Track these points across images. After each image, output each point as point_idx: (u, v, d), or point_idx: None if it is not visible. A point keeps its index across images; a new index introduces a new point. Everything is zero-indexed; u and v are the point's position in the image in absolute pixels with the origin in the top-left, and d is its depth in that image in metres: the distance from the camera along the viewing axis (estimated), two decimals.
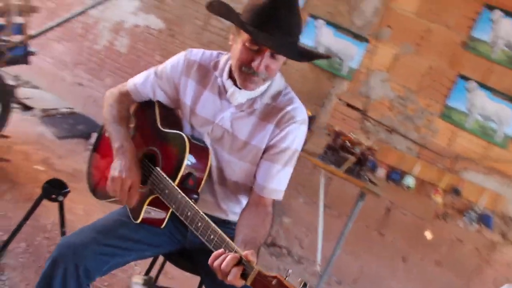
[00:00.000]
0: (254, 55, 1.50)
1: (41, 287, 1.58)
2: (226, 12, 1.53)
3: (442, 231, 3.39)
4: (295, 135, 1.64)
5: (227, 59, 1.66)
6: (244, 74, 1.53)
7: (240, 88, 1.59)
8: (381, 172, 3.42)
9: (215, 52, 1.75)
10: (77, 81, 4.66)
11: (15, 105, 4.17)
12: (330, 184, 3.64)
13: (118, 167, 1.56)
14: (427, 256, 3.45)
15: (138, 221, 1.62)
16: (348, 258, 3.61)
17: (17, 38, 3.32)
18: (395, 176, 3.39)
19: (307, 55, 1.59)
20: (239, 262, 1.23)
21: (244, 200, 1.76)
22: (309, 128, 2.99)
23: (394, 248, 3.53)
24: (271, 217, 1.63)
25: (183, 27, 4.17)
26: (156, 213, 1.64)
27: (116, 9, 4.52)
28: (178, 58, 1.75)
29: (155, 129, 1.72)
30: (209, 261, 1.26)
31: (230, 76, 1.62)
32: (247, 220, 1.61)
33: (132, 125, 1.83)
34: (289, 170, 1.67)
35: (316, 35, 3.67)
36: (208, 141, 1.67)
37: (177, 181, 1.53)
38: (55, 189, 2.37)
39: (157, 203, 1.58)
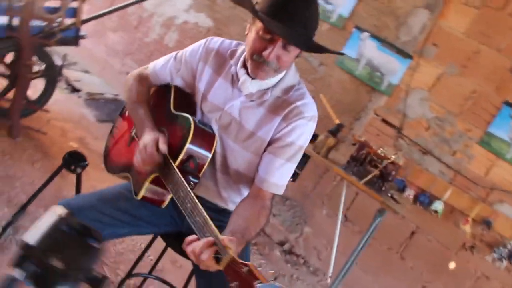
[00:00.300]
0: (267, 44, 1.50)
1: None
2: (241, 0, 1.53)
3: (468, 264, 3.20)
4: (302, 131, 1.61)
5: (244, 49, 1.66)
6: (255, 62, 1.53)
7: (252, 78, 1.59)
8: (410, 193, 3.28)
9: (234, 42, 1.76)
10: (125, 70, 4.83)
11: (64, 86, 4.39)
12: (356, 198, 3.55)
13: (142, 142, 1.59)
14: None
15: (139, 197, 1.64)
16: (365, 276, 3.48)
17: (69, 21, 3.50)
18: (423, 199, 3.24)
19: (318, 49, 1.57)
20: (214, 245, 1.21)
21: (245, 191, 1.75)
22: (334, 135, 2.97)
23: (414, 274, 3.37)
24: (268, 211, 1.61)
25: (230, 27, 4.25)
26: (158, 192, 1.66)
27: (170, 5, 4.68)
28: (199, 45, 1.78)
29: (167, 110, 1.76)
30: (183, 245, 1.26)
31: (244, 65, 1.62)
32: (242, 210, 1.59)
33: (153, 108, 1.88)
34: (291, 166, 1.64)
35: (360, 47, 3.61)
36: (215, 128, 1.68)
37: (177, 162, 1.55)
38: (74, 160, 2.46)
39: (159, 182, 1.60)
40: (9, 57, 3.33)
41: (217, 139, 1.66)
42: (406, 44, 3.45)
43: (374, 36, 3.56)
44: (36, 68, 3.33)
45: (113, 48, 4.97)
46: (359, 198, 3.53)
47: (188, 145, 1.56)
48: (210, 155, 1.62)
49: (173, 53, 1.84)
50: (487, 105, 3.18)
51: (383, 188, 2.73)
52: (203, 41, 1.78)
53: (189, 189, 1.41)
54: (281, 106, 1.62)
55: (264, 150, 1.64)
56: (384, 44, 3.52)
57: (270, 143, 1.63)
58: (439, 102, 3.33)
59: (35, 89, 3.65)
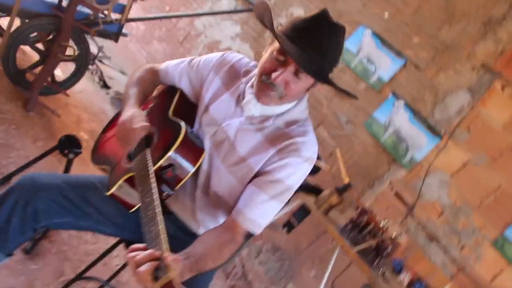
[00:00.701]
0: (278, 66, 1.41)
1: None
2: (262, 14, 1.47)
3: None
4: (294, 170, 1.48)
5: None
6: (262, 83, 1.45)
7: (258, 102, 1.51)
8: (406, 277, 3.03)
9: (253, 62, 1.69)
10: None
11: (97, 79, 4.44)
12: (349, 267, 3.32)
13: (124, 117, 1.53)
14: None
15: (108, 193, 1.54)
16: None
17: (115, 16, 3.56)
18: (418, 287, 2.99)
19: (330, 83, 1.46)
20: (158, 260, 1.08)
21: (221, 220, 1.61)
22: (340, 194, 2.81)
23: None
24: (235, 247, 1.47)
25: None
26: (129, 194, 1.55)
27: (219, 30, 4.72)
28: (216, 54, 1.72)
29: (165, 114, 1.68)
30: (127, 251, 1.14)
31: (253, 89, 1.54)
32: (207, 236, 1.47)
33: (150, 105, 1.82)
34: (275, 205, 1.50)
35: (392, 113, 3.48)
36: (208, 144, 1.58)
37: (156, 166, 1.44)
38: (69, 145, 2.40)
39: (133, 184, 1.49)
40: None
41: (205, 155, 1.55)
42: (439, 122, 3.30)
43: (409, 107, 3.43)
44: (70, 52, 3.36)
45: (154, 56, 5.03)
46: (352, 268, 3.29)
47: (171, 152, 1.46)
48: (192, 170, 1.51)
49: (190, 58, 1.78)
50: (509, 206, 2.95)
51: (376, 263, 2.52)
52: (221, 52, 1.72)
53: (156, 196, 1.29)
54: (280, 138, 1.51)
55: (250, 181, 1.52)
56: (417, 117, 3.38)
57: (257, 175, 1.51)
58: (459, 189, 3.12)
59: (64, 71, 3.69)
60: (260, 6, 1.46)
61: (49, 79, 3.40)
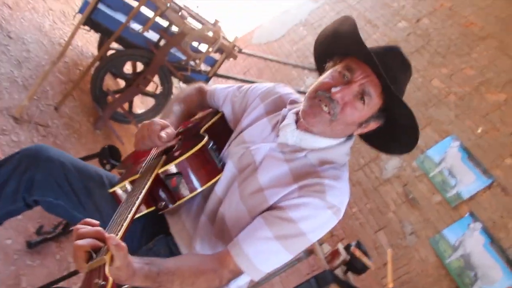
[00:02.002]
0: (340, 83, 1.24)
1: None
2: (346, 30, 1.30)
3: None
4: (312, 215, 1.24)
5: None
6: (314, 100, 1.26)
7: (297, 128, 1.33)
8: None
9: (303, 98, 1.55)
10: None
11: None
12: None
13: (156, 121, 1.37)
14: None
15: (110, 190, 1.41)
16: None
17: (205, 67, 3.68)
18: None
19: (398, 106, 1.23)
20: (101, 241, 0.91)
21: None
22: None
23: None
24: (217, 282, 1.21)
25: None
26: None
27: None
28: (267, 83, 1.62)
29: (197, 130, 1.56)
30: (78, 224, 0.97)
31: (297, 114, 1.38)
32: (189, 257, 1.28)
33: (188, 125, 1.72)
34: (278, 249, 1.23)
35: (464, 235, 3.04)
36: (230, 167, 1.39)
37: (161, 169, 1.29)
38: (110, 156, 2.37)
39: None
40: (139, 67, 3.58)
41: (219, 177, 1.37)
42: None
43: (487, 232, 2.97)
44: (152, 88, 3.49)
45: None
46: None
47: (181, 159, 1.30)
48: (199, 189, 1.33)
49: (238, 84, 1.69)
50: None
51: None
52: (271, 84, 1.61)
53: (144, 191, 1.14)
54: (307, 175, 1.28)
55: (260, 213, 1.30)
56: (494, 246, 2.90)
57: (269, 208, 1.29)
58: None
59: (144, 106, 3.82)
60: (346, 21, 1.32)
61: (127, 107, 3.52)
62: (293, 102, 1.48)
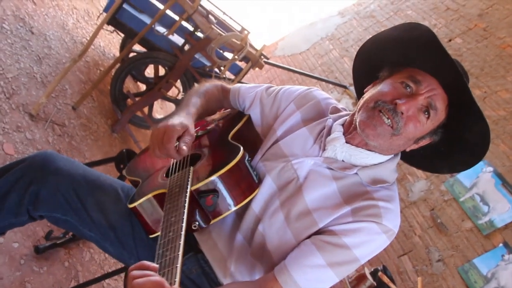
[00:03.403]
0: (404, 94, 1.13)
1: (1, 169, 1.34)
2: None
3: None
4: (368, 240, 1.13)
5: (351, 114, 1.28)
6: (374, 111, 1.14)
7: (347, 142, 1.20)
8: None
9: (342, 105, 1.41)
10: None
11: None
12: None
13: (173, 122, 1.21)
14: None
15: (131, 205, 1.25)
16: None
17: (229, 75, 3.57)
18: None
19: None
20: None
21: (256, 277, 1.23)
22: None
23: None
24: None
25: None
26: (154, 213, 1.25)
27: None
28: (299, 88, 1.47)
29: (223, 137, 1.41)
30: (131, 267, 0.83)
31: (345, 127, 1.25)
32: (234, 286, 1.12)
33: (208, 127, 1.56)
34: (330, 277, 1.12)
35: (498, 266, 2.84)
36: (268, 182, 1.25)
37: (194, 187, 1.15)
38: (127, 161, 2.25)
39: (162, 203, 1.18)
40: (161, 71, 3.47)
41: (256, 193, 1.23)
42: None
43: None
44: (174, 93, 3.37)
45: None
46: None
47: (215, 176, 1.15)
48: (235, 208, 1.19)
49: (266, 84, 1.54)
50: None
51: None
52: (306, 87, 1.46)
53: (184, 217, 1.00)
54: (359, 195, 1.16)
55: (307, 237, 1.15)
56: None
57: (319, 232, 1.15)
58: None
59: (163, 111, 3.70)
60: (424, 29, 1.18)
61: (147, 112, 3.41)
62: (335, 110, 1.34)
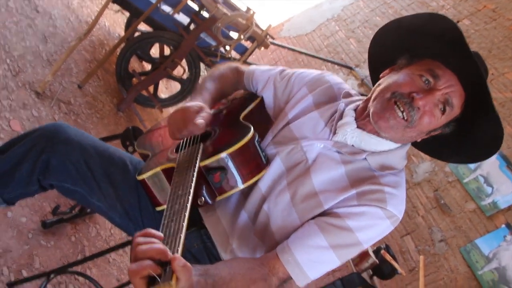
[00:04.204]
0: (421, 88, 1.13)
1: (13, 140, 1.36)
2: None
3: None
4: (371, 224, 1.13)
5: (365, 100, 1.27)
6: (389, 102, 1.14)
7: (358, 127, 1.21)
8: None
9: (355, 91, 1.41)
10: None
11: None
12: None
13: (190, 105, 1.25)
14: None
15: (139, 177, 1.27)
16: None
17: (234, 54, 3.56)
18: None
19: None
20: (162, 263, 0.78)
21: (258, 254, 1.24)
22: None
23: None
24: None
25: None
26: (161, 187, 1.27)
27: None
28: (313, 71, 1.47)
29: (235, 116, 1.41)
30: (136, 234, 0.84)
31: (358, 112, 1.25)
32: (237, 263, 1.13)
33: (221, 106, 1.57)
34: (332, 259, 1.13)
35: (499, 247, 2.86)
36: (277, 163, 1.25)
37: (203, 163, 1.16)
38: (133, 138, 2.27)
39: (170, 177, 1.19)
40: (166, 51, 3.47)
41: (264, 173, 1.24)
42: None
43: None
44: (179, 72, 3.37)
45: None
46: None
47: (225, 154, 1.16)
48: (242, 186, 1.19)
49: (280, 67, 1.54)
50: None
51: None
52: (319, 71, 1.46)
53: (191, 190, 1.01)
54: (365, 180, 1.16)
55: (312, 218, 1.16)
56: None
57: (323, 214, 1.16)
58: None
59: (168, 91, 3.71)
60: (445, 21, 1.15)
61: (151, 91, 3.42)
62: (348, 94, 1.34)
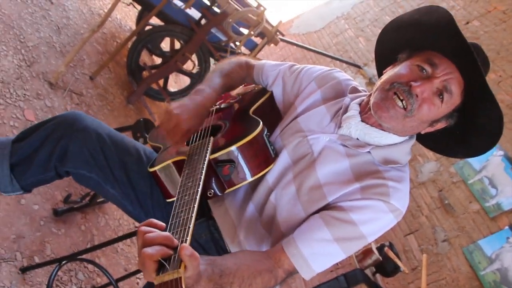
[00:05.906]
0: (420, 77, 1.15)
1: (30, 129, 1.41)
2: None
3: None
4: (375, 218, 1.16)
5: (369, 95, 1.30)
6: (388, 92, 1.17)
7: (362, 121, 1.23)
8: None
9: (362, 87, 1.43)
10: None
11: None
12: None
13: (179, 103, 1.27)
14: None
15: (151, 169, 1.31)
16: None
17: (244, 50, 3.59)
18: None
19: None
20: (171, 248, 0.81)
21: (264, 249, 1.27)
22: None
23: None
24: (273, 282, 1.12)
25: None
26: (172, 179, 1.31)
27: None
28: (321, 67, 1.50)
29: (244, 110, 1.45)
30: (141, 223, 0.87)
31: (362, 106, 1.28)
32: (244, 255, 1.16)
33: (231, 100, 1.61)
34: (336, 252, 1.16)
35: (502, 249, 2.88)
36: (285, 156, 1.28)
37: (212, 156, 1.19)
38: (144, 129, 2.31)
39: (181, 169, 1.22)
40: (177, 45, 3.50)
41: (272, 167, 1.27)
42: None
43: None
44: (189, 66, 3.40)
45: None
46: None
47: (234, 147, 1.19)
48: (250, 179, 1.23)
49: (290, 63, 1.57)
50: None
51: None
52: (328, 68, 1.49)
53: (201, 182, 1.04)
54: (369, 174, 1.19)
55: (316, 211, 1.20)
56: None
57: (327, 207, 1.19)
58: None
59: (177, 85, 3.74)
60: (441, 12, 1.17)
61: (162, 84, 3.45)
62: (355, 90, 1.37)
